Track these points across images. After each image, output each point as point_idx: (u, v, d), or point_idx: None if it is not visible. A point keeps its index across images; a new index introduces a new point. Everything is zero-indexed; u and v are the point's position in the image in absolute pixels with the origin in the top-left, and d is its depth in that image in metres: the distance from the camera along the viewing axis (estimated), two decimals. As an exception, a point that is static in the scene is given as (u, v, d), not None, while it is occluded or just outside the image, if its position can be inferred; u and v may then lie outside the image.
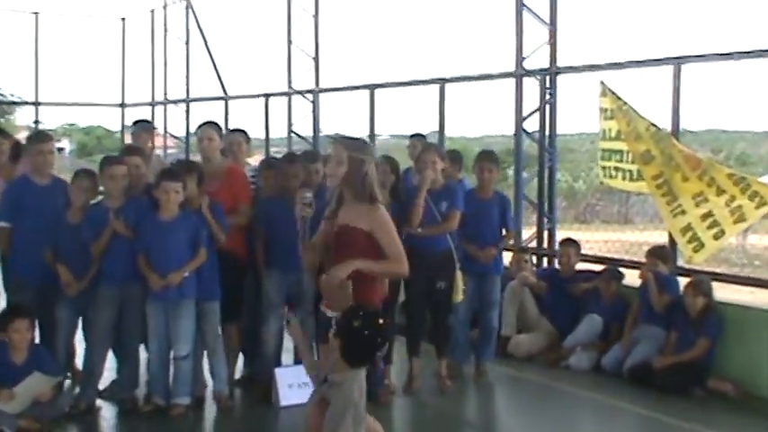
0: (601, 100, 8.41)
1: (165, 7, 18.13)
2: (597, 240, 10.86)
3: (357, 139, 4.90)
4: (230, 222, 6.87)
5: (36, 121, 18.95)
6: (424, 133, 9.70)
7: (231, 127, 8.92)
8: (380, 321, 4.20)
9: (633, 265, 8.61)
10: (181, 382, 6.65)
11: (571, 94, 10.01)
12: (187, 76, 17.54)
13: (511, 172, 11.16)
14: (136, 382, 6.87)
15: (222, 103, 16.32)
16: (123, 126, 19.78)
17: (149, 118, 16.27)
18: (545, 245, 9.87)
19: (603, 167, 8.56)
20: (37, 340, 6.65)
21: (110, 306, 6.58)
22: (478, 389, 7.67)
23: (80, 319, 6.85)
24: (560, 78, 9.78)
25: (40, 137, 7.18)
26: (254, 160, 8.58)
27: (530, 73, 9.97)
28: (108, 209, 6.57)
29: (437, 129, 11.00)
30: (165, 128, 18.08)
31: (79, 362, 7.07)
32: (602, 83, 8.41)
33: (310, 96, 13.91)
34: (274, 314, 7.01)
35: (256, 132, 13.96)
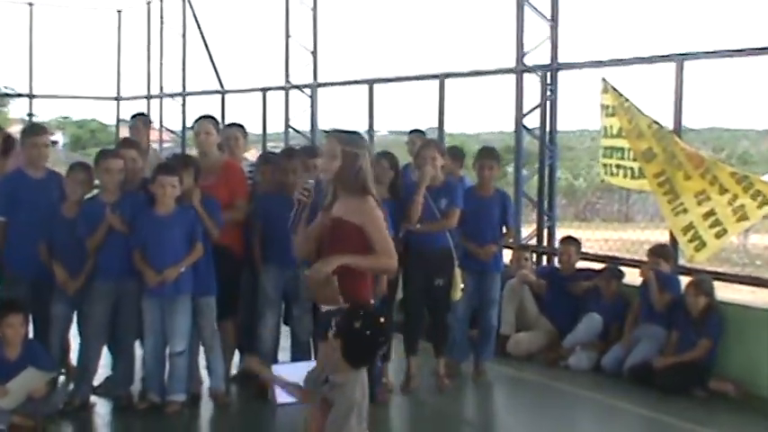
0: (602, 97, 8.37)
1: (161, -1, 18.07)
2: (598, 239, 10.82)
3: (351, 132, 4.87)
4: (227, 218, 6.83)
5: (30, 114, 18.84)
6: (422, 129, 9.65)
7: (228, 121, 8.88)
8: (381, 320, 4.16)
9: (634, 263, 8.57)
10: (176, 378, 6.60)
11: (571, 90, 10.01)
12: (183, 70, 17.44)
13: (510, 169, 11.10)
14: (131, 379, 6.83)
15: (219, 97, 16.23)
16: (119, 119, 19.68)
17: (145, 111, 16.16)
18: (545, 243, 9.82)
19: (605, 165, 8.51)
20: (31, 335, 6.57)
21: (105, 301, 6.53)
22: (477, 388, 7.63)
23: (75, 314, 6.79)
24: (560, 75, 9.72)
25: (34, 130, 7.11)
26: (251, 155, 8.55)
27: (530, 69, 9.91)
28: (104, 204, 6.50)
29: (436, 124, 10.94)
30: (161, 122, 17.99)
31: (74, 357, 7.00)
32: (603, 80, 8.37)
33: (308, 91, 13.86)
34: (271, 310, 6.98)
35: (253, 127, 13.96)
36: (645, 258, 8.19)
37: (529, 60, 9.96)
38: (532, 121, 9.95)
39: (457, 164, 8.16)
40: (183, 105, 17.48)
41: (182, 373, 6.60)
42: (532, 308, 8.66)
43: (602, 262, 8.80)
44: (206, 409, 6.82)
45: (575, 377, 7.81)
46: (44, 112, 30.44)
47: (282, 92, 14.28)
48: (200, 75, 17.05)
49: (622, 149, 8.25)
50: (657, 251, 8.04)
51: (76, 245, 6.49)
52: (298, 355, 6.93)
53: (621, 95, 8.18)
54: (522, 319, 8.63)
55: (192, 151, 8.15)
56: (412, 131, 9.27)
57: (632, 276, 8.30)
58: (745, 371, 7.37)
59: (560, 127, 9.96)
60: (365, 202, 4.62)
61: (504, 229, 7.65)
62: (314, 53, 13.83)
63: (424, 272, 7.09)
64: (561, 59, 9.75)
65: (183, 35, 17.37)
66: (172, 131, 18.27)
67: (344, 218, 4.61)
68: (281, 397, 6.63)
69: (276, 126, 14.69)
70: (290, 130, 14.15)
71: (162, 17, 18.11)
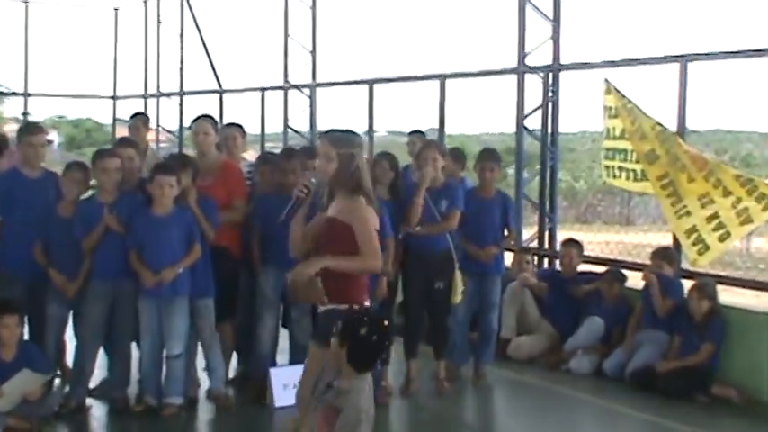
0: (605, 98, 8.29)
1: (158, -3, 17.99)
2: (599, 242, 10.77)
3: (344, 132, 4.88)
4: (225, 218, 6.79)
5: (25, 113, 18.75)
6: (422, 130, 9.60)
7: (226, 121, 8.87)
8: (386, 324, 4.15)
9: (636, 266, 8.51)
10: (173, 381, 6.56)
11: (572, 91, 9.96)
12: (181, 69, 17.37)
13: (511, 171, 11.04)
14: (127, 381, 6.78)
15: (217, 96, 16.16)
16: (115, 119, 19.61)
17: (139, 111, 16.08)
18: (546, 245, 9.76)
19: (607, 167, 8.43)
20: (26, 337, 6.52)
21: (101, 302, 6.48)
22: (477, 391, 7.59)
23: (71, 315, 6.75)
24: (562, 75, 9.67)
25: (31, 129, 7.05)
26: (249, 155, 8.50)
27: (532, 69, 9.85)
28: (100, 204, 6.46)
29: (435, 125, 10.88)
30: (158, 122, 17.91)
31: (69, 359, 6.96)
32: (606, 81, 8.29)
33: (307, 91, 13.81)
34: (270, 312, 6.95)
35: (252, 127, 13.87)
36: (647, 261, 8.13)
37: (530, 61, 9.90)
38: (533, 122, 9.89)
39: (458, 165, 8.12)
40: (181, 105, 17.42)
41: (179, 375, 6.55)
42: (533, 311, 8.62)
43: (604, 265, 8.75)
44: (203, 411, 6.77)
45: (576, 381, 7.77)
46: (39, 111, 30.42)
47: (281, 92, 14.22)
48: (197, 74, 17.02)
49: (625, 151, 8.17)
50: (661, 254, 7.99)
51: (72, 245, 6.45)
52: (296, 357, 6.87)
53: (624, 97, 8.12)
54: (522, 322, 8.58)
55: (190, 151, 8.09)
56: (412, 132, 9.24)
57: (634, 279, 8.24)
58: (748, 376, 7.32)
59: (561, 128, 9.91)
60: (355, 201, 4.65)
61: (506, 232, 7.62)
62: (313, 53, 13.78)
63: (424, 274, 7.06)
64: (563, 60, 9.70)
65: (181, 34, 17.30)
66: (169, 131, 18.19)
67: (338, 218, 4.65)
68: (280, 400, 6.61)
69: (275, 126, 14.65)
70: (289, 130, 14.10)
71: (159, 15, 18.03)
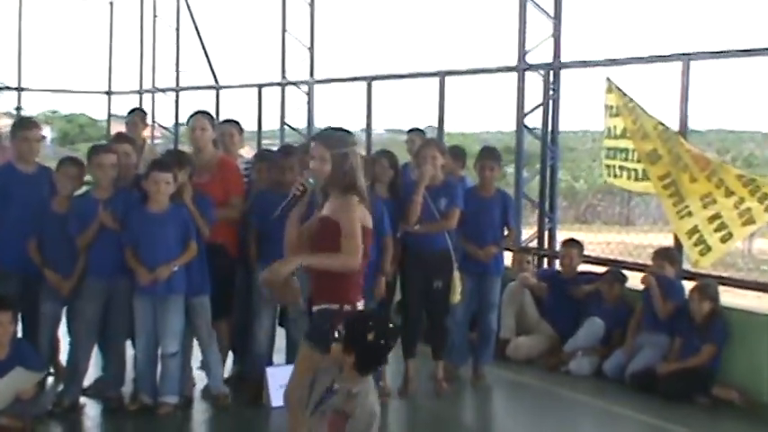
0: (606, 97, 8.25)
1: (154, -9, 17.89)
2: (600, 242, 10.73)
3: (337, 131, 4.88)
4: (221, 215, 6.75)
5: (18, 108, 18.63)
6: (421, 128, 9.53)
7: (222, 118, 8.82)
8: (391, 326, 4.12)
9: (637, 267, 8.47)
10: (168, 380, 6.52)
11: (571, 90, 9.91)
12: (177, 64, 17.29)
13: (510, 170, 10.98)
14: (122, 380, 6.73)
15: (213, 92, 16.08)
16: (110, 114, 19.51)
17: (136, 106, 16.00)
18: (545, 245, 9.70)
19: (608, 166, 8.39)
20: (20, 334, 6.46)
21: (96, 299, 6.43)
22: (476, 392, 7.56)
23: (64, 313, 6.70)
24: (563, 73, 9.62)
25: (25, 123, 7.01)
26: (246, 152, 8.46)
27: (533, 67, 9.79)
28: (95, 201, 6.40)
29: (433, 123, 10.82)
30: (153, 117, 17.80)
31: (63, 357, 6.90)
32: (608, 79, 8.25)
33: (305, 87, 13.74)
34: (267, 311, 6.89)
35: (248, 124, 13.76)
36: (648, 262, 8.08)
37: (531, 58, 9.83)
38: (534, 120, 9.84)
39: (458, 164, 8.09)
40: (177, 101, 17.33)
41: (174, 374, 6.52)
42: (533, 311, 8.57)
43: (605, 265, 8.70)
44: (199, 411, 6.72)
45: (575, 382, 7.73)
46: (32, 106, 30.21)
47: (278, 88, 14.15)
48: (193, 69, 16.97)
49: (626, 150, 8.13)
50: (663, 254, 7.93)
51: (67, 241, 6.40)
52: (293, 357, 6.77)
53: (626, 95, 8.07)
54: (522, 322, 8.53)
55: (185, 148, 8.04)
56: (411, 130, 9.21)
57: (635, 280, 8.20)
58: (750, 378, 7.27)
59: (561, 127, 9.85)
60: (347, 200, 4.65)
61: (506, 231, 7.57)
62: (311, 49, 13.72)
63: (423, 273, 7.02)
64: (564, 58, 9.65)
65: (177, 28, 17.22)
66: (164, 127, 18.11)
67: (330, 217, 4.66)
68: (276, 400, 6.54)
69: (272, 123, 14.58)
70: (286, 127, 14.02)
71: (155, 10, 17.92)
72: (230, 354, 7.35)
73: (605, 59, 9.01)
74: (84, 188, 6.72)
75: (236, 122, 7.76)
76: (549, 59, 9.69)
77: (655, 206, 12.67)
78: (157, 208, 6.37)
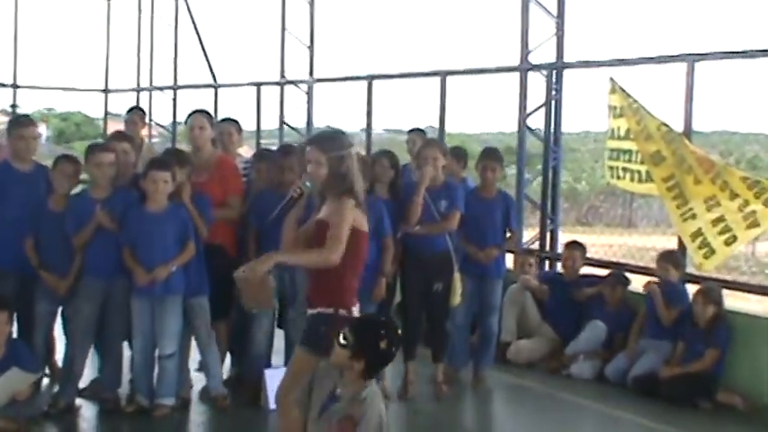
0: (610, 97, 8.19)
1: (152, -11, 17.82)
2: (602, 244, 10.66)
3: (332, 134, 4.91)
4: (220, 215, 6.71)
5: (13, 105, 18.57)
6: (422, 128, 9.46)
7: (221, 116, 8.79)
8: (399, 331, 4.12)
9: (640, 270, 8.41)
10: (165, 381, 6.47)
11: (574, 90, 9.83)
12: (175, 62, 17.21)
13: (511, 171, 10.91)
14: (118, 381, 6.69)
15: (211, 91, 16.01)
16: (107, 112, 19.44)
17: (134, 104, 15.94)
18: (547, 247, 9.63)
19: (611, 167, 8.32)
20: (15, 335, 6.41)
21: (93, 300, 6.38)
22: (476, 395, 7.51)
23: (59, 311, 6.67)
24: (566, 74, 9.55)
25: (22, 121, 6.94)
26: (245, 151, 8.42)
27: (535, 67, 9.72)
28: (93, 200, 6.35)
29: (435, 123, 10.74)
30: (150, 116, 17.73)
31: (59, 358, 6.86)
32: (611, 80, 8.18)
33: (304, 86, 13.66)
34: (265, 312, 6.78)
35: (247, 123, 13.66)
36: (651, 265, 8.02)
37: (534, 58, 9.76)
38: (536, 121, 9.78)
39: (460, 165, 8.03)
40: (174, 99, 17.27)
41: (171, 375, 6.47)
42: (534, 314, 8.51)
43: (607, 268, 8.64)
44: (196, 413, 6.68)
45: (577, 386, 7.68)
46: (27, 104, 30.19)
47: (277, 87, 14.08)
48: (192, 68, 16.91)
49: (629, 152, 8.06)
50: (667, 258, 7.87)
51: (64, 239, 6.36)
52: (292, 359, 6.74)
53: (630, 96, 8.01)
54: (523, 325, 8.47)
55: (183, 146, 7.99)
56: (412, 130, 9.15)
57: (638, 283, 8.16)
58: (753, 382, 7.22)
59: (563, 128, 9.77)
60: (342, 202, 4.64)
61: (508, 233, 7.52)
62: (310, 47, 13.63)
63: (423, 275, 6.98)
64: (567, 58, 9.58)
65: (175, 26, 17.15)
66: (161, 126, 18.04)
67: (326, 220, 4.66)
68: (274, 402, 6.46)
69: (270, 122, 14.52)
70: (285, 126, 13.95)
71: (153, 7, 17.87)
72: (228, 355, 7.30)
73: (609, 60, 8.96)
74: (79, 186, 6.67)
75: (235, 121, 7.72)
76: (552, 59, 9.63)
77: (657, 208, 12.61)
78: (156, 207, 6.32)
